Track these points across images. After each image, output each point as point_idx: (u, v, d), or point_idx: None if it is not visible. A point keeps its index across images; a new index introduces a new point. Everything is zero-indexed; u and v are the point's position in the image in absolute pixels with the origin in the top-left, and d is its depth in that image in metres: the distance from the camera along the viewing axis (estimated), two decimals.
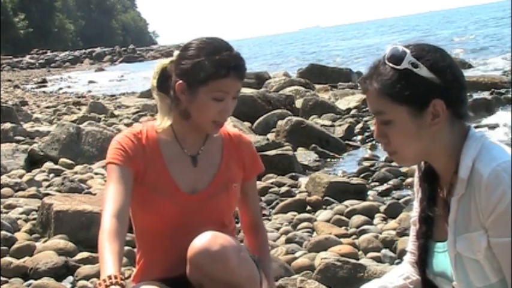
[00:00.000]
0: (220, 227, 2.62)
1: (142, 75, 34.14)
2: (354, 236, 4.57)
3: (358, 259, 4.03)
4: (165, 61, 2.67)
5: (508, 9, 50.29)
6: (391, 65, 1.97)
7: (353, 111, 10.09)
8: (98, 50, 68.04)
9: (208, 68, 2.49)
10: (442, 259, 2.08)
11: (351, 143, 8.28)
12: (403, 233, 4.36)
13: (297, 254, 4.20)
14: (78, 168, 7.48)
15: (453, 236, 1.99)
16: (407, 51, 1.96)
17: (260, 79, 14.64)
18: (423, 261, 2.16)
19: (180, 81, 2.54)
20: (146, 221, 2.65)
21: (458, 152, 1.96)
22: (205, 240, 2.47)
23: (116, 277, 2.19)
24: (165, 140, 2.67)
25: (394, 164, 6.80)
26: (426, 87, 1.93)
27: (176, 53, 2.64)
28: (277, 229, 4.84)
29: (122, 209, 2.47)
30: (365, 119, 9.47)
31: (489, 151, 1.92)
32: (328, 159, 7.54)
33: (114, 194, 2.49)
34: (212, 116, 2.56)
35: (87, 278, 3.97)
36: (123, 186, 2.51)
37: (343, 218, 4.95)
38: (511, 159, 1.88)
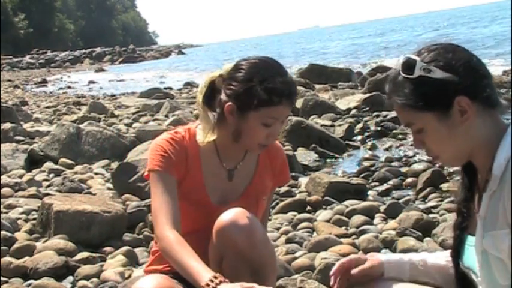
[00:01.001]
0: None
1: (142, 76, 34.18)
2: (353, 236, 4.57)
3: None
4: (214, 74, 2.63)
5: (506, 10, 50.23)
6: (405, 75, 1.97)
7: (353, 111, 10.09)
8: (98, 50, 68.09)
9: (261, 95, 2.48)
10: (472, 253, 2.07)
11: (351, 143, 8.27)
12: (403, 233, 4.35)
13: (297, 254, 4.20)
14: (78, 168, 7.48)
15: (481, 231, 1.98)
16: (417, 58, 1.97)
17: None
18: (457, 252, 2.14)
19: (230, 103, 2.52)
20: None
21: (496, 148, 1.94)
22: (234, 213, 2.52)
23: (217, 277, 2.23)
24: (206, 151, 2.67)
25: (393, 164, 6.81)
26: (444, 88, 1.93)
27: (226, 66, 2.61)
28: (277, 229, 4.84)
29: (176, 220, 2.50)
30: (365, 119, 9.46)
31: None
32: (328, 159, 7.54)
33: (165, 204, 2.51)
34: (259, 140, 2.57)
35: (87, 278, 3.97)
36: (171, 195, 2.53)
37: (343, 218, 4.95)
38: None
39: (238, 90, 2.51)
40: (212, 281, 2.21)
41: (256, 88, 2.48)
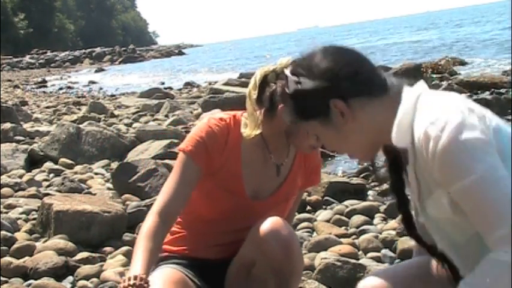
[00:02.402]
0: None
1: (142, 76, 34.18)
2: (353, 236, 4.57)
3: (358, 259, 4.03)
4: (267, 69, 2.63)
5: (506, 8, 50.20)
6: (286, 91, 2.02)
7: None
8: (98, 50, 68.11)
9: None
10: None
11: None
12: (403, 233, 4.35)
13: None
14: (78, 168, 7.48)
15: (418, 202, 1.99)
16: (288, 72, 2.01)
17: None
18: (410, 227, 2.12)
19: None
20: (204, 209, 2.69)
21: None
22: (274, 223, 2.54)
23: (141, 279, 2.23)
24: (250, 143, 2.66)
25: None
26: (316, 95, 1.95)
27: (281, 61, 2.59)
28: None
29: (171, 207, 2.51)
30: None
31: (421, 112, 1.87)
32: (328, 159, 7.54)
33: (172, 189, 2.53)
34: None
35: (87, 278, 3.97)
36: (185, 183, 2.54)
37: (343, 218, 4.95)
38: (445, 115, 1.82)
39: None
40: (127, 280, 2.23)
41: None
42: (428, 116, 1.84)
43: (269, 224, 2.53)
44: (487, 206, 1.75)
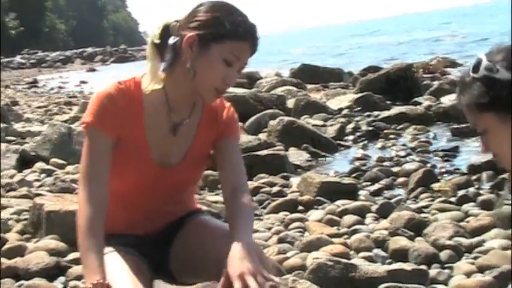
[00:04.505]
0: (183, 194, 2.65)
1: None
2: (345, 236, 4.57)
3: (349, 259, 4.03)
4: (169, 19, 2.45)
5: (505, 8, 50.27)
6: (472, 75, 1.96)
7: (345, 111, 10.09)
8: (89, 50, 67.85)
9: (228, 25, 2.31)
10: None
11: (342, 142, 8.27)
12: (394, 232, 4.36)
13: (288, 254, 4.20)
14: (69, 168, 7.45)
15: None
16: (483, 57, 1.95)
17: (251, 79, 14.62)
18: None
19: (192, 34, 2.33)
20: (113, 183, 2.45)
21: None
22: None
23: (101, 285, 2.17)
24: (152, 103, 2.46)
25: (385, 163, 6.83)
26: (508, 88, 1.90)
27: (184, 13, 2.43)
28: (269, 229, 4.84)
29: (101, 190, 2.36)
30: (356, 118, 9.47)
31: None
32: (320, 159, 7.55)
33: (93, 170, 2.38)
34: (216, 81, 2.35)
35: (78, 278, 3.96)
36: (103, 159, 2.39)
37: (335, 217, 4.95)
38: None
39: (202, 19, 2.34)
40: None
41: (222, 18, 2.32)
42: None
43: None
44: None
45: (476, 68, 1.95)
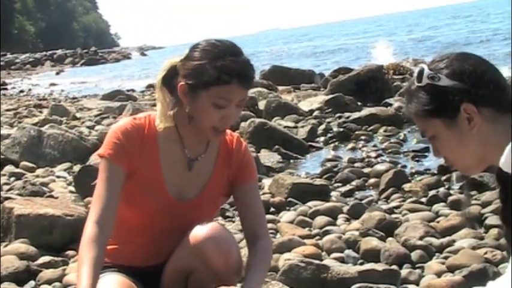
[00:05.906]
0: None
1: (104, 78, 33.90)
2: (317, 237, 4.59)
3: (321, 260, 4.04)
4: (175, 59, 2.59)
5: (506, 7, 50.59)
6: (417, 84, 2.01)
7: (316, 113, 10.12)
8: (59, 52, 67.24)
9: (211, 73, 2.42)
10: None
11: (314, 144, 8.30)
12: (366, 233, 4.38)
13: None
14: (39, 171, 7.40)
15: None
16: (425, 66, 2.01)
17: None
18: None
19: (183, 83, 2.48)
20: (127, 214, 2.62)
21: None
22: (211, 230, 2.50)
23: None
24: (166, 139, 2.62)
25: (356, 165, 6.86)
26: (450, 95, 1.94)
27: (187, 51, 2.56)
28: (241, 231, 4.82)
29: (106, 214, 2.46)
30: (327, 120, 9.50)
31: None
32: (292, 161, 7.56)
33: (102, 196, 2.48)
34: (212, 122, 2.49)
35: (49, 282, 3.93)
36: (112, 188, 2.49)
37: (307, 219, 4.96)
38: None
39: (189, 68, 2.48)
40: None
41: (206, 66, 2.43)
42: None
43: (205, 231, 2.50)
44: None
45: (419, 77, 2.01)
